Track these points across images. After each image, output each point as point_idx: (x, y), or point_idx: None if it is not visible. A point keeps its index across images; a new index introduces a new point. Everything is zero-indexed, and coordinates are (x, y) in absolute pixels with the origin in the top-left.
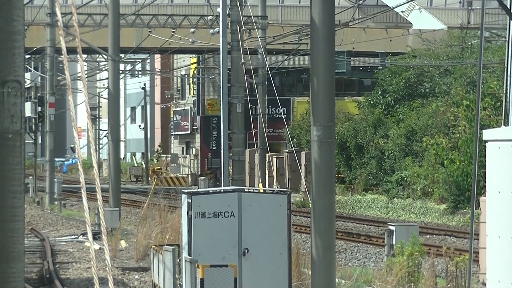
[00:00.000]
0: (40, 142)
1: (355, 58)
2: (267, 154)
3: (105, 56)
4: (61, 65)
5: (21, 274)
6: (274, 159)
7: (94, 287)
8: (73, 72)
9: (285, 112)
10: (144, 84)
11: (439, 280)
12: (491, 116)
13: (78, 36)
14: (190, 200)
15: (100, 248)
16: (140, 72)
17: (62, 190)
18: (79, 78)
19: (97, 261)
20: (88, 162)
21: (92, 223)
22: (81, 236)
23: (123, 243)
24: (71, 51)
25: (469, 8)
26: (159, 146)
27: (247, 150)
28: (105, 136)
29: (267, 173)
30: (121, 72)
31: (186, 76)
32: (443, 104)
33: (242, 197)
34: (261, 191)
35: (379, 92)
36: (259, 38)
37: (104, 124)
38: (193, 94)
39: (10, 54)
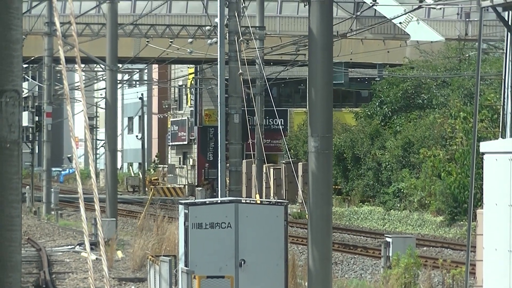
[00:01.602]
0: (37, 151)
1: (353, 69)
2: (264, 165)
3: (103, 66)
4: (58, 75)
5: (18, 284)
6: (271, 170)
7: None
8: (70, 81)
9: (283, 123)
10: (142, 94)
11: None
12: (489, 128)
13: (77, 46)
14: (187, 211)
15: (96, 258)
16: (137, 82)
17: (59, 200)
18: (76, 88)
19: (94, 271)
20: (86, 172)
21: (89, 233)
22: (77, 246)
23: (119, 254)
24: (69, 60)
25: (467, 19)
26: (156, 156)
27: (244, 161)
28: (102, 146)
29: (264, 184)
30: (118, 82)
31: (184, 86)
32: (441, 116)
33: (239, 208)
34: (258, 202)
35: (377, 103)
36: (257, 49)
37: (101, 134)
38: (191, 104)
39: (8, 63)
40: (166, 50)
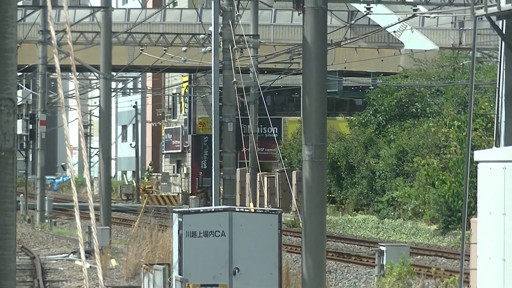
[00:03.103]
0: (31, 159)
1: (347, 77)
2: (258, 174)
3: (97, 74)
4: (52, 83)
5: None
6: (265, 178)
7: None
8: (65, 90)
9: (276, 132)
10: (136, 103)
11: None
12: (483, 137)
13: (72, 54)
14: (181, 219)
15: (90, 266)
16: (131, 90)
17: (52, 208)
18: (71, 96)
19: (88, 280)
20: (79, 180)
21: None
22: (71, 254)
23: (113, 262)
24: (64, 69)
25: (461, 28)
26: (150, 164)
27: (238, 169)
28: (96, 154)
29: (258, 192)
30: (112, 90)
31: (178, 94)
32: (434, 124)
33: (233, 217)
34: (252, 210)
35: (371, 112)
36: (251, 57)
37: (95, 142)
38: (185, 112)
39: (3, 71)
40: (160, 59)
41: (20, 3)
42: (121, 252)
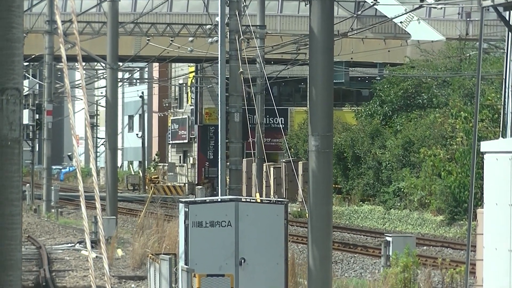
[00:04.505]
0: (37, 149)
1: (354, 68)
2: (265, 164)
3: (104, 64)
4: (59, 73)
5: (19, 282)
6: (272, 169)
7: None
8: (71, 80)
9: (283, 122)
10: (142, 93)
11: None
12: (489, 128)
13: (79, 44)
14: (187, 209)
15: (96, 256)
16: (138, 81)
17: (59, 198)
18: (77, 86)
19: (94, 269)
20: (86, 170)
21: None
22: (77, 244)
23: (119, 252)
24: (70, 59)
25: (468, 19)
26: (156, 154)
27: (244, 159)
28: (102, 144)
29: (264, 182)
30: (119, 80)
31: (184, 85)
32: (441, 115)
33: (239, 207)
34: (258, 201)
35: (377, 103)
36: (257, 48)
37: (101, 132)
38: (191, 103)
39: (9, 61)
40: (166, 49)
41: None
42: (127, 242)
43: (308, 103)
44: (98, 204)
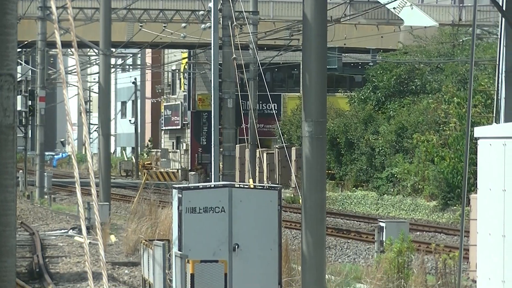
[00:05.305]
0: (30, 136)
1: (347, 54)
2: (258, 150)
3: (96, 51)
4: (52, 59)
5: (13, 269)
6: (265, 154)
7: (88, 282)
8: (64, 66)
9: (276, 108)
10: (135, 79)
11: (429, 277)
12: (482, 113)
13: (74, 30)
14: (180, 195)
15: (90, 242)
16: (131, 67)
17: (52, 184)
18: (70, 72)
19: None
20: (79, 156)
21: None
22: (70, 230)
23: (112, 238)
24: (63, 45)
25: (461, 5)
26: (149, 141)
27: (237, 145)
28: (95, 130)
29: (257, 168)
30: (112, 66)
31: (177, 71)
32: (434, 101)
33: (232, 193)
34: (252, 186)
35: (370, 88)
36: (250, 34)
37: (94, 118)
38: (184, 89)
39: (3, 47)
40: (159, 35)
41: None
42: (121, 228)
43: (301, 89)
44: (94, 190)
